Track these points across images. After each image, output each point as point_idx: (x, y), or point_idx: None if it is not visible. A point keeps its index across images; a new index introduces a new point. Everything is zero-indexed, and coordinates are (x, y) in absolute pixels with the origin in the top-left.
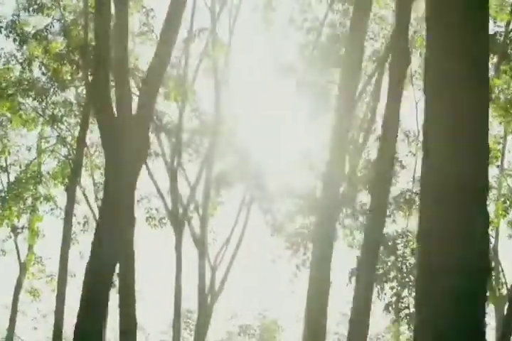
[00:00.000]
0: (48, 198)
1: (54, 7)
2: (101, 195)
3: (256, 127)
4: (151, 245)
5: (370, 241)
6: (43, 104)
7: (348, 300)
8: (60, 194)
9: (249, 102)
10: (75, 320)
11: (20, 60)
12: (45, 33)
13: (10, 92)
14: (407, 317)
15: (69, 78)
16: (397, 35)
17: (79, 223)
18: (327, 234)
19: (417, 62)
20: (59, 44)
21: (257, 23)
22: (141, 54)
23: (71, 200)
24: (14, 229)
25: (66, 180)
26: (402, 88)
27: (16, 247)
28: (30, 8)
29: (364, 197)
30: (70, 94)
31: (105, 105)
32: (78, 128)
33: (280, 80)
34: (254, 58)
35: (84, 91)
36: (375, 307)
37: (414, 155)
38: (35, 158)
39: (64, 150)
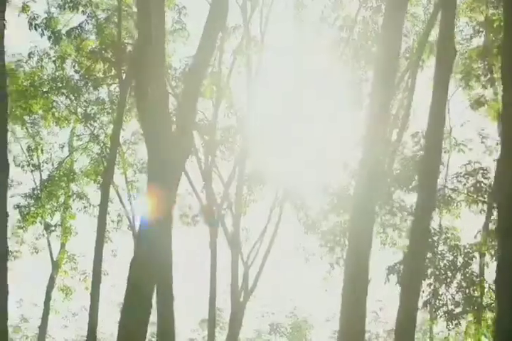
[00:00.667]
0: (80, 196)
1: (88, 5)
2: (134, 192)
3: (289, 124)
4: (183, 243)
5: (417, 239)
6: (76, 101)
7: (377, 298)
8: (92, 192)
9: (282, 100)
10: (107, 318)
11: (53, 58)
12: (79, 31)
13: (44, 90)
14: (445, 314)
15: (101, 76)
16: (443, 32)
17: (112, 221)
18: (365, 232)
19: None
20: (91, 42)
21: (289, 21)
22: (174, 52)
23: (105, 198)
24: (47, 227)
25: (99, 178)
26: (448, 84)
27: (49, 245)
28: (66, 6)
29: (401, 195)
30: (102, 92)
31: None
32: (111, 125)
33: (312, 78)
34: (286, 56)
35: (116, 89)
36: None
37: (448, 151)
38: (67, 156)
39: (96, 148)
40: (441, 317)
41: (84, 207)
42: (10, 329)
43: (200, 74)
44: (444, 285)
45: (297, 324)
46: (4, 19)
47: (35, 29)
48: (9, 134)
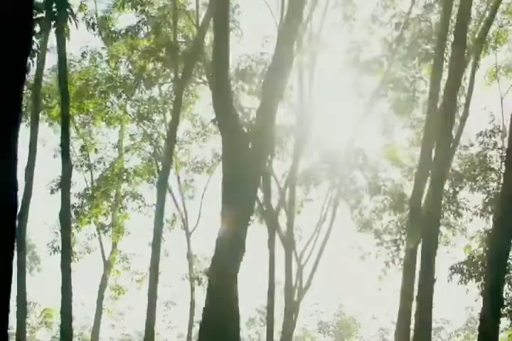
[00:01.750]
0: (135, 195)
1: (146, 4)
2: (189, 192)
3: (343, 123)
4: None
5: (501, 239)
6: (128, 101)
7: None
8: (144, 191)
9: (336, 99)
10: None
11: (106, 58)
12: (136, 30)
13: (101, 90)
14: (510, 313)
15: (154, 75)
16: None
17: (167, 221)
18: (431, 232)
19: (503, 57)
20: (144, 41)
21: (341, 20)
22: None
23: (161, 198)
24: (102, 227)
25: (152, 177)
26: None
27: (101, 245)
28: (125, 5)
29: (465, 194)
30: (154, 91)
31: (229, 107)
32: (163, 125)
33: (366, 76)
34: (340, 55)
35: (169, 88)
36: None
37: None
38: (120, 155)
39: (149, 148)
40: (505, 315)
41: (139, 207)
42: (58, 328)
43: (284, 75)
44: (507, 284)
45: (345, 323)
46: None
47: (93, 29)
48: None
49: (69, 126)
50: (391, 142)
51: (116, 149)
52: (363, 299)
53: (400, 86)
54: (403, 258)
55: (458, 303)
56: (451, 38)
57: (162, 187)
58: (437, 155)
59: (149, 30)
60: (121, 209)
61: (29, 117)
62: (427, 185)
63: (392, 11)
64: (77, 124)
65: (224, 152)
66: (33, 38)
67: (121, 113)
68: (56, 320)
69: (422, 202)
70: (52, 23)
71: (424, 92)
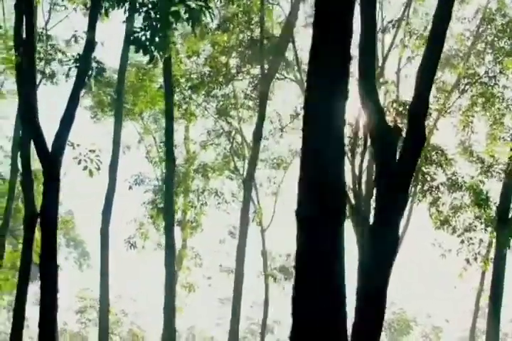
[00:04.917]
0: (214, 192)
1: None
2: (273, 189)
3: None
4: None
5: None
6: (207, 97)
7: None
8: (219, 187)
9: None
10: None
11: (188, 53)
12: (227, 25)
13: (190, 85)
14: None
15: (233, 71)
16: None
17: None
18: None
19: None
20: (225, 36)
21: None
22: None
23: (248, 195)
24: (179, 223)
25: (229, 174)
26: None
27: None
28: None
29: None
30: (231, 88)
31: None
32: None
33: (445, 71)
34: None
35: (250, 85)
36: None
37: None
38: (191, 152)
39: (224, 144)
40: None
41: (218, 203)
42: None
43: (434, 65)
44: None
45: (405, 321)
46: None
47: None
48: (132, 130)
49: (173, 125)
50: (470, 137)
51: (189, 145)
52: (426, 297)
53: (480, 81)
54: (494, 256)
55: None
56: None
57: (248, 183)
58: None
59: (232, 25)
60: (202, 206)
61: (112, 114)
62: None
63: (468, 6)
64: (146, 120)
65: (377, 146)
66: None
67: (199, 109)
68: (112, 317)
69: None
70: None
71: (505, 87)
